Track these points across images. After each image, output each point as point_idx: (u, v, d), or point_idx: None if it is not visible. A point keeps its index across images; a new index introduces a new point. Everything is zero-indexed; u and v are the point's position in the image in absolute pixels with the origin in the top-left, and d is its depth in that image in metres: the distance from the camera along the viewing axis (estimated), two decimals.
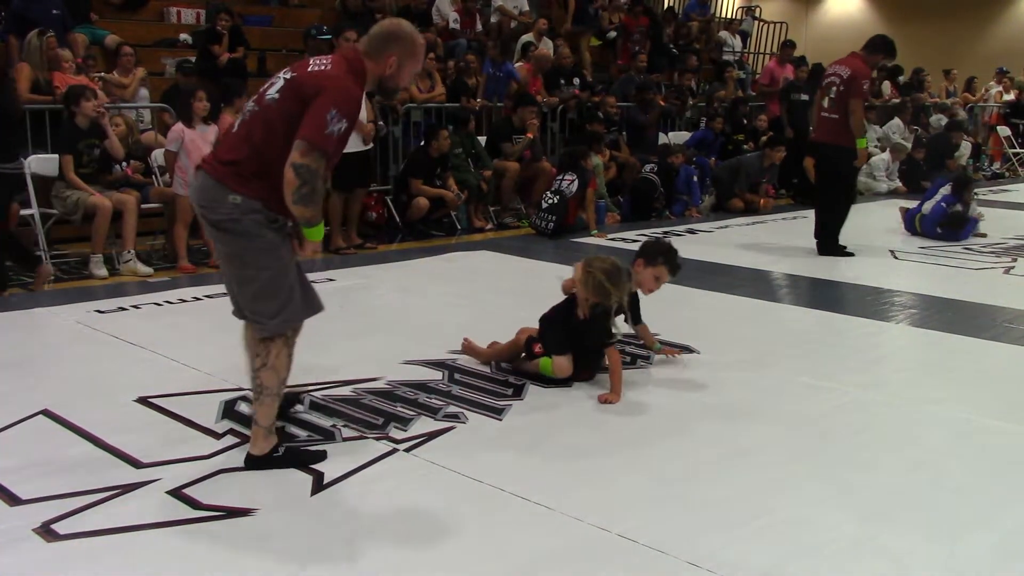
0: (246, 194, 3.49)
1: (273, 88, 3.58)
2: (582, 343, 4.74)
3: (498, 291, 7.03)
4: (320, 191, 3.50)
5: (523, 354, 4.86)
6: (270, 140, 3.48)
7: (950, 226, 9.43)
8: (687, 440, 4.14)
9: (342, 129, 3.42)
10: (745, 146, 12.16)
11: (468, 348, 5.12)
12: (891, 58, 8.73)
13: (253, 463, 3.74)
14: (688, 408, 4.54)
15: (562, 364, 4.71)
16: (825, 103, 8.38)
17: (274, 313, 3.62)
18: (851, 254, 8.44)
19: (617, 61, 14.04)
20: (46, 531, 3.19)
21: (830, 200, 8.62)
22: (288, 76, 3.60)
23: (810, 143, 9.02)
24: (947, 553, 3.17)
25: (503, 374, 4.93)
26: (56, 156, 7.49)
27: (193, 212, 7.40)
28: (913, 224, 9.69)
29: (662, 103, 12.37)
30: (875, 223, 10.11)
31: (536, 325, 4.91)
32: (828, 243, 8.56)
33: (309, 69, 3.57)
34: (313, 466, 3.71)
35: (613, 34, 14.29)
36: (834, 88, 8.26)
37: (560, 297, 4.91)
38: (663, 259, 4.91)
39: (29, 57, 8.16)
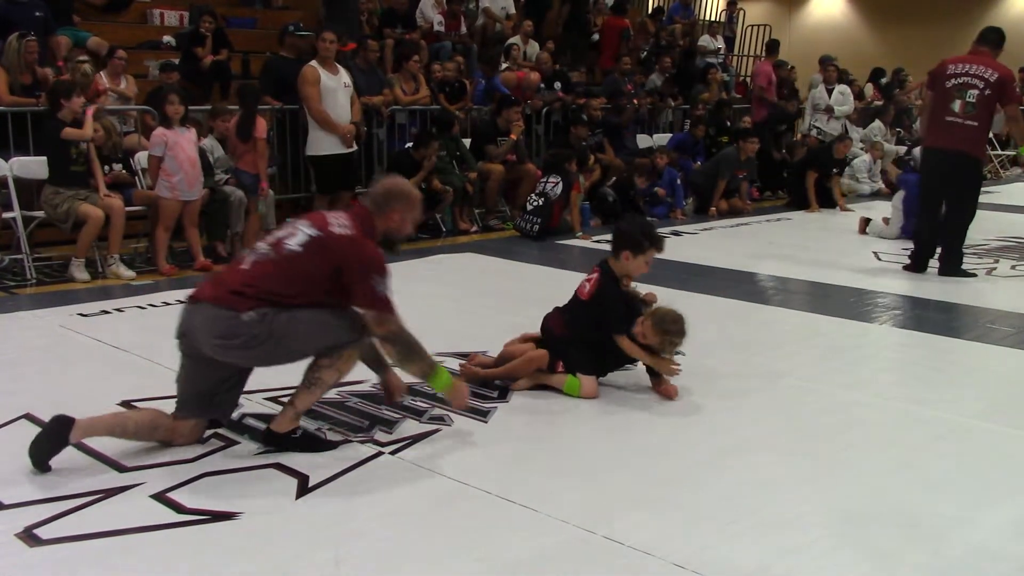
0: (256, 306, 3.69)
1: (294, 240, 3.79)
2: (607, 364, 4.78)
3: (483, 293, 7.03)
4: (414, 341, 3.87)
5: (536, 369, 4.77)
6: (301, 282, 3.74)
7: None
8: (672, 442, 4.15)
9: (388, 283, 3.77)
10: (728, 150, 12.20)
11: (469, 372, 4.88)
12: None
13: (271, 438, 3.88)
14: (672, 410, 4.55)
15: (591, 386, 4.65)
16: (956, 107, 7.52)
17: (336, 342, 3.77)
18: (974, 275, 7.74)
19: (600, 64, 14.06)
20: (28, 536, 3.17)
21: (961, 215, 7.77)
22: (312, 233, 3.80)
23: (929, 150, 7.91)
24: (931, 553, 3.18)
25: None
26: (38, 159, 7.46)
27: (176, 215, 7.48)
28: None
29: (636, 103, 12.39)
30: (857, 225, 10.13)
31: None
32: (952, 264, 7.76)
33: (331, 229, 3.79)
34: (297, 469, 3.71)
35: (596, 36, 14.31)
36: (975, 92, 7.46)
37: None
38: (649, 243, 4.76)
39: (7, 60, 8.11)
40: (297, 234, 3.82)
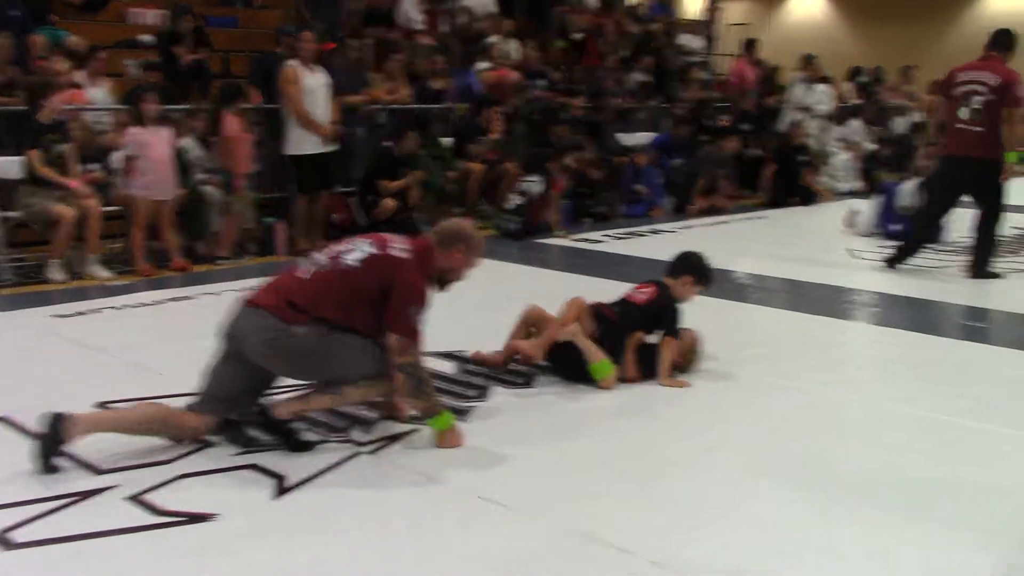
0: (308, 321, 3.80)
1: (352, 256, 3.92)
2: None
3: (463, 292, 6.98)
4: (428, 378, 3.95)
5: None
6: (353, 300, 3.85)
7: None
8: (653, 440, 4.15)
9: (422, 317, 3.90)
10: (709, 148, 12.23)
11: (518, 349, 5.03)
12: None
13: (265, 418, 3.89)
14: (653, 408, 4.56)
15: (615, 380, 4.79)
16: (964, 114, 7.58)
17: (375, 372, 3.90)
18: (1000, 276, 7.78)
19: (582, 63, 14.03)
20: (3, 540, 3.14)
21: (990, 217, 7.76)
22: (371, 251, 3.91)
23: (947, 158, 7.92)
24: (915, 552, 3.19)
25: (467, 375, 4.93)
26: (15, 159, 7.39)
27: (150, 214, 7.43)
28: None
29: (619, 101, 12.39)
30: (834, 223, 10.17)
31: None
32: (981, 266, 7.78)
33: (390, 251, 3.92)
34: (274, 470, 3.70)
35: (579, 36, 14.29)
36: (979, 97, 7.51)
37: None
38: (707, 278, 5.21)
39: None
40: (355, 251, 3.93)
